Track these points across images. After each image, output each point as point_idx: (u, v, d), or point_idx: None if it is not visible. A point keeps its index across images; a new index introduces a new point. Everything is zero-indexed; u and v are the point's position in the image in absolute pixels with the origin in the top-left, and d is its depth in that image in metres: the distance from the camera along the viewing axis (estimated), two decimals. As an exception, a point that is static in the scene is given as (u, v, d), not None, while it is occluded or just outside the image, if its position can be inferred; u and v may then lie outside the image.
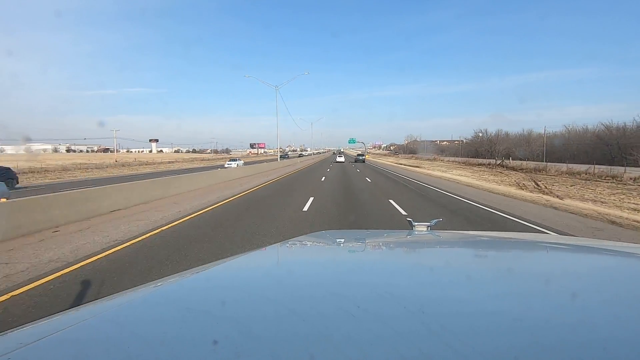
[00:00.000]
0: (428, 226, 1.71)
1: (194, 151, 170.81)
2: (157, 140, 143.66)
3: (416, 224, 1.75)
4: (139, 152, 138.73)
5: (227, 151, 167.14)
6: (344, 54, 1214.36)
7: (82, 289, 3.98)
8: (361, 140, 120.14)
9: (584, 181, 20.62)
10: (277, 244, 1.52)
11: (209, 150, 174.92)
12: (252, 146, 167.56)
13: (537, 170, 28.67)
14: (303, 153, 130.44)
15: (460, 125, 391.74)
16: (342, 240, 1.70)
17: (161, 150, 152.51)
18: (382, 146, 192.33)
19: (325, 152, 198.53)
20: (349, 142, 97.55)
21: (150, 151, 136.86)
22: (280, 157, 63.69)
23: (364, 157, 60.71)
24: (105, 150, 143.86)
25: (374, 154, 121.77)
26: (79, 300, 3.71)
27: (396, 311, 0.66)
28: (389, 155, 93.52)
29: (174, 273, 1.08)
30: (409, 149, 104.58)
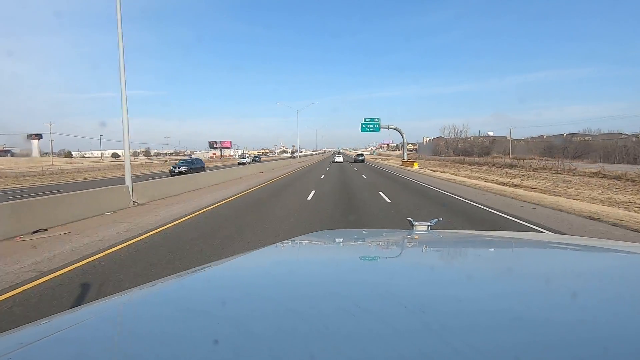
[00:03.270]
0: (428, 225, 1.70)
1: (146, 153, 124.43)
2: (40, 137, 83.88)
3: (416, 223, 1.74)
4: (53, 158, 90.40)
5: (173, 153, 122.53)
6: (344, 56, 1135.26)
7: None
8: (393, 125, 49.63)
9: None
10: (276, 243, 1.50)
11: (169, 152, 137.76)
12: (212, 146, 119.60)
13: None
14: (256, 156, 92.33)
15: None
16: (342, 239, 1.69)
17: (85, 156, 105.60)
18: (392, 146, 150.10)
19: (321, 152, 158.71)
20: (362, 130, 45.63)
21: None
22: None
23: (363, 157, 53.02)
24: (5, 152, 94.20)
25: (424, 159, 56.03)
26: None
27: (396, 310, 0.65)
28: (448, 163, 38.09)
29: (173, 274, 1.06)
30: (462, 150, 59.42)
